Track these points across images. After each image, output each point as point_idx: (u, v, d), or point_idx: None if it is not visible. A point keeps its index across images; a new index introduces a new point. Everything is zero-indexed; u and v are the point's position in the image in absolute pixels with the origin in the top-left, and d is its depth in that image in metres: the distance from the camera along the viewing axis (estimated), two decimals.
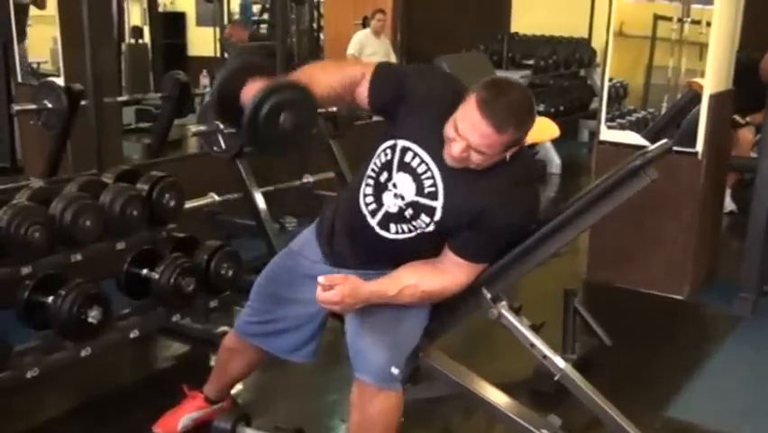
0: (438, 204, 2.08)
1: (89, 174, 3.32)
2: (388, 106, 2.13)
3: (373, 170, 2.15)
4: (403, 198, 2.11)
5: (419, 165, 2.08)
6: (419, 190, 2.09)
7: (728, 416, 2.99)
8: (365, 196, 2.17)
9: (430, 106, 2.08)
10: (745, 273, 3.91)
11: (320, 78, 2.12)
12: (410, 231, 2.14)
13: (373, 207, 2.16)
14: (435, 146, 2.06)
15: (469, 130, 1.95)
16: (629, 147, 3.86)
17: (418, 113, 2.09)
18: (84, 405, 2.96)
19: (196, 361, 3.27)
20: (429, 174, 2.08)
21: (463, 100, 2.00)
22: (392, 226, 2.15)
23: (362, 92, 2.15)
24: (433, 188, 2.08)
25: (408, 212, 2.12)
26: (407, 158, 2.09)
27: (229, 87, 2.07)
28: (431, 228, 2.11)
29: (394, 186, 2.11)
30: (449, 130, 1.99)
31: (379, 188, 2.14)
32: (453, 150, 1.99)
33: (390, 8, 8.00)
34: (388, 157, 2.12)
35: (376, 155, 2.15)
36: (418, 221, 2.12)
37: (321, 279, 2.06)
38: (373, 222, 2.16)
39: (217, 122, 3.48)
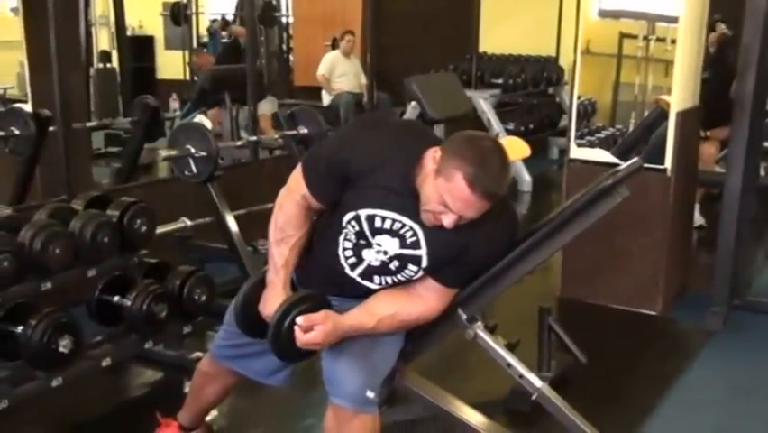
0: (422, 252, 2.07)
1: (59, 201, 3.29)
2: (340, 196, 2.10)
3: (348, 239, 2.12)
4: (386, 253, 2.10)
5: (393, 224, 2.06)
6: (402, 243, 2.08)
7: (703, 430, 3.01)
8: (345, 249, 2.15)
9: (380, 170, 2.03)
10: (715, 287, 3.94)
11: (292, 234, 2.15)
12: (394, 283, 2.15)
13: (353, 261, 2.15)
14: (401, 202, 2.03)
15: (461, 207, 1.92)
16: (599, 165, 3.90)
17: (370, 182, 2.04)
18: None
19: (170, 388, 3.22)
20: (407, 228, 2.06)
21: (436, 160, 1.94)
22: (375, 278, 2.16)
23: (315, 204, 2.14)
24: (414, 238, 2.06)
25: (394, 264, 2.11)
26: (377, 223, 2.06)
27: (250, 309, 2.23)
28: (419, 275, 2.12)
29: (378, 245, 2.10)
30: (433, 204, 1.95)
31: (359, 247, 2.12)
32: (445, 222, 1.96)
33: (359, 29, 8.05)
34: (357, 228, 2.09)
35: (343, 226, 2.10)
36: (406, 271, 2.12)
37: (300, 320, 2.04)
38: (354, 274, 2.16)
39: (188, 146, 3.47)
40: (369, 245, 2.10)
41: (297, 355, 2.15)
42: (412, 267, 2.10)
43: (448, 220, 1.96)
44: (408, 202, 2.02)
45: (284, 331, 2.07)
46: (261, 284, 2.22)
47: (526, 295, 3.79)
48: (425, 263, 2.09)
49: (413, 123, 2.15)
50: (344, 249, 2.14)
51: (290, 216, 2.16)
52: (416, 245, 2.07)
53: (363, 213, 2.06)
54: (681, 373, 3.47)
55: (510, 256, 2.16)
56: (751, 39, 3.67)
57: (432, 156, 1.96)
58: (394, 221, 2.05)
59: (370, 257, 2.12)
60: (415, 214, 2.03)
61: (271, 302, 2.13)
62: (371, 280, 2.17)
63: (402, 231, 2.07)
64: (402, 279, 2.14)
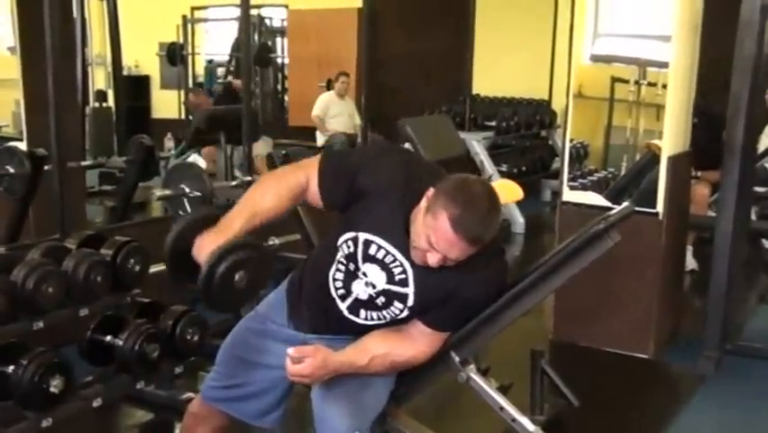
0: (410, 290, 2.08)
1: (52, 240, 3.29)
2: (343, 204, 2.10)
3: (340, 260, 2.13)
4: (374, 287, 2.10)
5: (385, 256, 2.06)
6: (390, 279, 2.08)
7: None
8: (335, 280, 2.15)
9: (387, 197, 2.04)
10: (707, 332, 3.95)
11: (266, 202, 2.09)
12: (380, 319, 2.14)
13: (342, 292, 2.15)
14: (399, 236, 2.04)
15: (445, 247, 1.93)
16: (591, 207, 3.92)
17: (376, 206, 2.05)
18: None
19: (161, 429, 3.21)
20: (397, 263, 2.06)
21: (428, 198, 1.95)
22: (362, 312, 2.15)
23: (313, 195, 2.12)
24: (403, 276, 2.07)
25: (381, 300, 2.11)
26: (372, 250, 2.07)
27: (180, 244, 2.08)
28: (405, 314, 2.11)
29: (364, 274, 2.10)
30: (420, 241, 1.96)
31: (349, 276, 2.12)
32: (430, 261, 1.96)
33: (354, 71, 8.13)
34: (351, 250, 2.09)
35: (339, 245, 2.10)
36: (392, 308, 2.11)
37: (291, 351, 2.03)
38: (342, 306, 2.16)
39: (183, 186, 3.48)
40: (356, 272, 2.10)
41: (228, 305, 2.06)
42: (398, 304, 2.10)
43: (433, 259, 1.96)
44: (403, 238, 2.03)
45: (218, 276, 1.96)
46: (206, 222, 2.10)
47: (519, 337, 3.77)
48: (410, 302, 2.09)
49: (437, 166, 2.16)
50: (335, 279, 2.14)
51: (287, 184, 2.12)
52: (403, 283, 2.07)
53: (362, 236, 2.06)
54: (674, 418, 3.46)
55: (503, 299, 2.17)
56: (740, 87, 3.72)
57: (426, 194, 1.98)
58: (387, 253, 2.06)
59: (359, 289, 2.12)
60: (407, 250, 2.04)
61: (210, 242, 2.01)
62: (358, 315, 2.16)
63: (392, 265, 2.07)
64: (388, 316, 2.13)
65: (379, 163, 2.10)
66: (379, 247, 2.06)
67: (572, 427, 3.11)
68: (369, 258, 2.08)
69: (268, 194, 2.12)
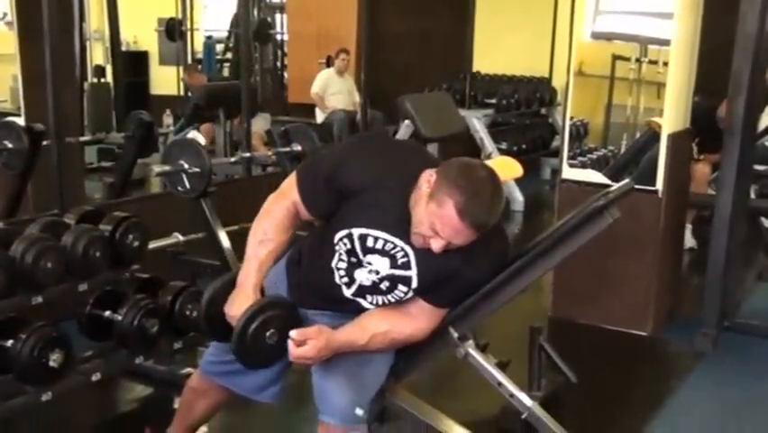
0: (413, 273, 2.08)
1: (51, 215, 3.28)
2: (331, 209, 2.11)
3: (341, 256, 2.12)
4: (378, 273, 2.10)
5: (385, 245, 2.07)
6: (393, 263, 2.08)
7: None
8: (338, 269, 2.15)
9: (373, 189, 2.04)
10: (705, 309, 3.96)
11: (267, 247, 2.15)
12: (386, 303, 2.15)
13: (346, 280, 2.16)
14: (394, 223, 2.04)
15: (450, 234, 1.94)
16: (591, 185, 3.92)
17: (363, 200, 2.05)
18: None
19: (160, 403, 3.21)
20: (398, 248, 2.07)
21: (431, 184, 1.95)
22: (368, 297, 2.16)
23: (304, 213, 2.14)
24: (405, 259, 2.07)
25: (384, 284, 2.11)
26: (369, 243, 2.07)
27: (212, 310, 2.19)
28: (410, 296, 2.12)
29: (368, 264, 2.10)
30: (424, 228, 1.96)
31: (352, 266, 2.13)
32: (434, 247, 1.97)
33: (354, 48, 8.09)
34: (348, 246, 2.09)
35: (335, 243, 2.10)
36: (396, 291, 2.12)
37: (293, 333, 2.04)
38: (347, 292, 2.17)
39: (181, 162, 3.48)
40: (359, 264, 2.11)
41: (261, 362, 2.12)
42: (402, 287, 2.11)
43: (437, 245, 1.97)
44: (401, 223, 2.03)
45: (249, 335, 2.03)
46: (231, 285, 2.18)
47: (518, 315, 3.78)
48: (414, 284, 2.09)
49: (411, 143, 2.16)
50: (338, 268, 2.15)
51: (277, 220, 2.16)
52: (406, 266, 2.08)
53: (356, 232, 2.07)
54: (671, 395, 3.47)
55: (502, 276, 2.17)
56: (741, 64, 3.70)
57: (427, 179, 1.98)
58: (386, 241, 2.06)
59: (362, 277, 2.13)
60: (406, 235, 2.04)
61: (238, 304, 2.09)
62: (364, 299, 2.17)
63: (393, 251, 2.07)
64: (393, 300, 2.15)
65: (355, 158, 2.11)
66: (376, 239, 2.06)
67: (570, 403, 3.12)
68: (369, 250, 2.08)
69: (265, 241, 2.16)
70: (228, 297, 2.16)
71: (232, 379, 2.38)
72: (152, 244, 3.34)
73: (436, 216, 1.93)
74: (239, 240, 3.89)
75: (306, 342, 2.03)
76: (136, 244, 3.01)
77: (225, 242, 3.72)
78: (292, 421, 3.04)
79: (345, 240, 2.09)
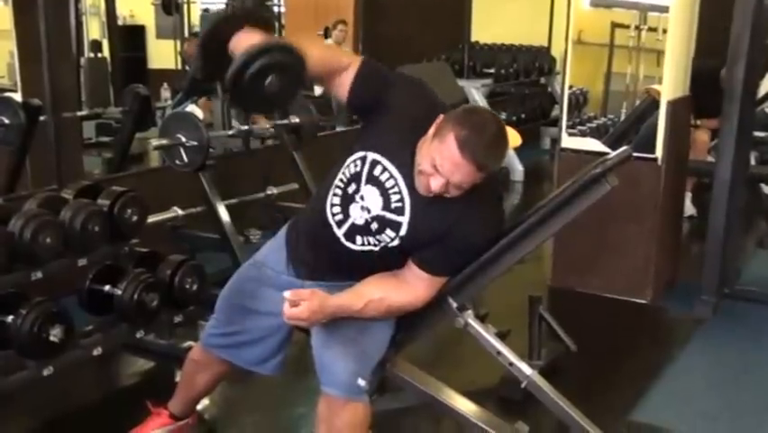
0: (404, 219, 2.09)
1: (49, 190, 3.28)
2: (365, 107, 2.13)
3: (341, 180, 2.14)
4: (369, 212, 2.11)
5: (387, 180, 2.08)
6: (386, 205, 2.09)
7: (693, 418, 3.02)
8: (332, 206, 2.16)
9: (405, 121, 2.07)
10: (705, 276, 3.96)
11: (312, 51, 1.99)
12: (375, 244, 2.14)
13: (340, 217, 2.16)
14: (406, 162, 2.06)
15: (450, 169, 1.94)
16: (590, 154, 3.90)
17: (392, 126, 2.08)
18: (47, 425, 2.92)
19: (161, 377, 3.23)
20: (396, 189, 2.08)
21: (437, 125, 1.98)
22: (358, 238, 2.15)
23: (344, 83, 2.09)
24: (399, 204, 2.08)
25: (374, 225, 2.12)
26: (376, 171, 2.09)
27: (221, 30, 1.96)
28: (395, 243, 2.12)
29: (361, 198, 2.11)
30: (424, 164, 1.98)
31: (347, 200, 2.14)
32: (432, 185, 1.98)
33: (352, 19, 8.02)
34: (358, 168, 2.11)
35: (345, 165, 2.14)
36: (383, 235, 2.12)
37: (287, 294, 2.05)
38: (339, 233, 2.16)
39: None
40: (355, 194, 2.11)
41: (251, 105, 2.02)
42: (390, 232, 2.11)
43: (435, 183, 1.98)
44: (409, 164, 2.05)
45: (249, 74, 1.83)
46: (236, 22, 1.97)
47: (517, 284, 3.80)
48: (402, 231, 2.10)
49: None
50: (333, 205, 2.16)
51: (328, 50, 2.25)
52: (399, 211, 2.09)
53: (371, 156, 2.09)
54: (671, 362, 3.49)
55: (500, 244, 2.17)
56: (740, 29, 3.67)
57: (436, 121, 2.00)
58: (390, 176, 2.08)
59: (355, 214, 2.13)
60: (410, 178, 2.05)
61: (246, 39, 1.90)
62: (354, 241, 2.16)
63: (391, 191, 2.08)
64: (380, 242, 2.13)
65: (411, 87, 2.16)
66: (384, 169, 2.08)
67: (570, 371, 3.13)
68: (371, 179, 2.09)
69: (318, 47, 2.15)
70: (231, 35, 1.95)
71: (232, 351, 2.39)
72: (151, 219, 3.35)
73: (437, 150, 1.95)
74: (237, 213, 3.91)
75: (299, 303, 2.04)
76: (135, 218, 3.01)
77: (224, 215, 3.72)
78: (294, 393, 3.05)
79: (358, 161, 2.11)
